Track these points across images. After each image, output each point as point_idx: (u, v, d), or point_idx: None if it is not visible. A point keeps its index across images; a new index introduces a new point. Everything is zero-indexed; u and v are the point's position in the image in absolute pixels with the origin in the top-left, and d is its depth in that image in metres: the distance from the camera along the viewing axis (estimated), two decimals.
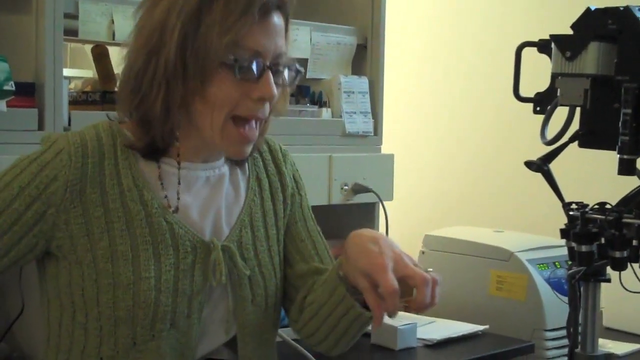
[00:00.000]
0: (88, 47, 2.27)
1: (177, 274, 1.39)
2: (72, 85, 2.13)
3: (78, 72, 2.56)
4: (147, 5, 1.39)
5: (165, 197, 1.42)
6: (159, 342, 1.38)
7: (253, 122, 1.39)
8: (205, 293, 1.43)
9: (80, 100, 2.03)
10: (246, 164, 1.54)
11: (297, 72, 1.44)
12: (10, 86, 1.81)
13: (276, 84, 1.39)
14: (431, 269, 1.36)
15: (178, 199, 1.42)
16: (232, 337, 1.47)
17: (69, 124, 1.94)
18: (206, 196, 1.46)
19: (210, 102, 1.36)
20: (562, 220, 1.50)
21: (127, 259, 1.37)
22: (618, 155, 1.44)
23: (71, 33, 1.98)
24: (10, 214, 1.36)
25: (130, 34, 1.42)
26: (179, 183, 1.43)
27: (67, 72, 2.02)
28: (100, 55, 2.09)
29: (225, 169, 1.50)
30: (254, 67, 1.35)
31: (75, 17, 1.97)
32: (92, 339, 1.38)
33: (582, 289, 1.51)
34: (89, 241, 1.37)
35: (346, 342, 1.52)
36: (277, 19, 1.38)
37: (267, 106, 1.39)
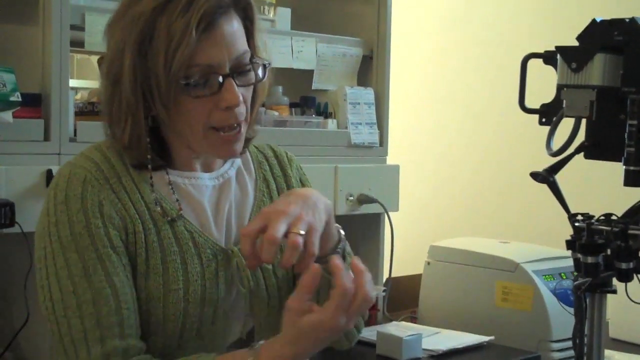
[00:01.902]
0: (94, 58, 2.27)
1: (203, 283, 1.41)
2: (78, 96, 2.14)
3: (84, 82, 2.56)
4: (108, 32, 1.40)
5: (177, 201, 1.43)
6: (183, 350, 1.40)
7: (235, 127, 1.39)
8: (229, 300, 1.44)
9: (86, 111, 2.03)
10: (252, 166, 1.56)
11: (265, 65, 1.42)
12: (16, 97, 1.82)
13: (246, 84, 1.39)
14: (302, 233, 1.29)
15: (180, 208, 1.43)
16: (246, 339, 1.48)
17: (75, 135, 1.95)
18: (216, 202, 1.48)
19: (183, 120, 1.37)
20: (568, 231, 1.50)
21: (157, 272, 1.38)
22: (624, 167, 1.43)
23: (77, 44, 1.99)
24: (108, 254, 1.34)
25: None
26: (178, 191, 1.44)
27: (73, 82, 2.03)
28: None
29: (232, 172, 1.52)
30: (211, 80, 1.34)
31: (81, 28, 1.98)
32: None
33: (588, 300, 1.51)
34: (135, 258, 1.38)
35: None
36: (225, 24, 1.35)
37: (241, 109, 1.38)
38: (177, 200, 1.43)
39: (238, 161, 1.53)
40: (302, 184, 1.62)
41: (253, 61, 1.40)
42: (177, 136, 1.42)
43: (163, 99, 1.34)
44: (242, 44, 1.38)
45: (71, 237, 1.33)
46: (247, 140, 1.50)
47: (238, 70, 1.37)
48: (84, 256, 1.32)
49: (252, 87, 1.42)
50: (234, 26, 1.37)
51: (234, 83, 1.36)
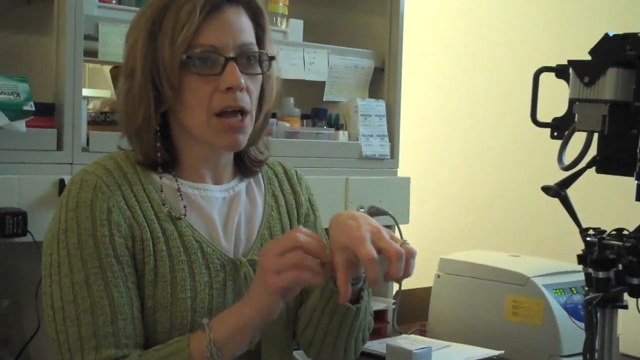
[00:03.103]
0: (106, 67, 2.28)
1: (211, 293, 1.42)
2: (90, 106, 2.15)
3: (96, 92, 2.57)
4: (127, 34, 1.47)
5: (184, 207, 1.45)
6: None
7: (238, 114, 1.42)
8: None
9: (98, 121, 2.04)
10: (262, 181, 1.59)
11: (270, 58, 1.47)
12: (30, 106, 1.83)
13: (248, 73, 1.43)
14: (408, 241, 1.34)
15: (185, 213, 1.45)
16: (253, 350, 1.48)
17: (87, 144, 1.96)
18: (226, 214, 1.49)
19: (187, 104, 1.41)
20: (579, 245, 1.49)
21: (165, 281, 1.40)
22: (636, 182, 1.43)
23: (91, 54, 2.00)
24: (110, 263, 1.36)
25: None
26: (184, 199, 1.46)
27: (85, 92, 2.04)
28: (119, 77, 2.10)
29: (242, 186, 1.54)
30: (215, 61, 1.39)
31: (95, 38, 1.99)
32: None
33: (599, 315, 1.50)
34: (143, 266, 1.40)
35: (342, 347, 1.53)
36: (233, 13, 1.42)
37: (243, 96, 1.41)
38: (185, 207, 1.45)
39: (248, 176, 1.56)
40: (311, 203, 1.65)
41: (259, 54, 1.45)
42: (186, 136, 1.45)
43: (169, 78, 1.39)
44: (248, 36, 1.43)
45: (78, 244, 1.36)
46: (260, 162, 1.55)
47: (242, 58, 1.42)
48: (87, 265, 1.35)
49: (257, 79, 1.45)
50: (242, 19, 1.43)
51: (237, 66, 1.40)
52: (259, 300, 1.33)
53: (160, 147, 1.43)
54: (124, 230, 1.38)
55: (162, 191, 1.44)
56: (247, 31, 1.43)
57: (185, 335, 1.35)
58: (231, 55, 1.40)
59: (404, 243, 1.33)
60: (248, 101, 1.43)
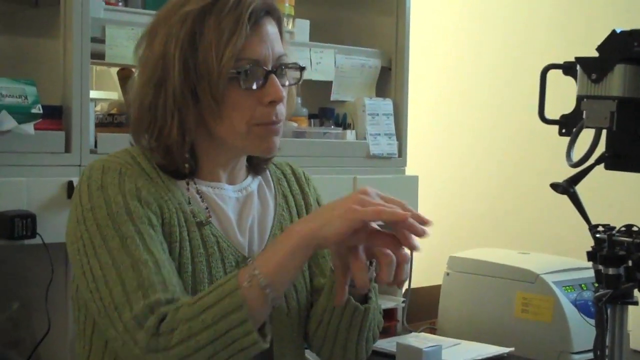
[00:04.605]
0: (113, 69, 2.29)
1: None
2: (97, 108, 2.15)
3: (103, 94, 2.58)
4: (146, 40, 1.44)
5: (207, 209, 1.46)
6: None
7: (275, 123, 1.44)
8: None
9: (106, 123, 2.04)
10: (271, 182, 1.60)
11: (301, 68, 1.48)
12: (37, 109, 1.83)
13: (283, 85, 1.44)
14: (403, 247, 1.33)
15: (209, 215, 1.45)
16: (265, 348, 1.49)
17: (95, 146, 1.96)
18: (239, 213, 1.50)
19: (226, 115, 1.40)
20: (588, 242, 1.49)
21: (186, 271, 1.40)
22: None
23: (98, 56, 2.00)
24: (145, 229, 1.35)
25: (135, 70, 1.47)
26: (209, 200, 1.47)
27: (92, 94, 2.04)
28: (126, 78, 2.11)
29: (253, 187, 1.55)
30: (256, 74, 1.39)
31: (102, 41, 1.99)
32: None
33: (609, 311, 1.50)
34: (170, 252, 1.39)
35: (354, 347, 1.53)
36: (269, 25, 1.43)
37: (281, 107, 1.43)
38: (207, 208, 1.45)
39: (259, 177, 1.57)
40: (319, 203, 1.66)
41: (292, 65, 1.46)
42: (210, 143, 1.45)
43: (213, 91, 1.38)
44: (281, 46, 1.45)
45: (108, 216, 1.34)
46: (267, 160, 1.56)
47: (279, 70, 1.43)
48: (122, 230, 1.33)
49: (287, 89, 1.46)
50: (275, 29, 1.44)
51: (277, 80, 1.41)
52: (318, 221, 1.30)
53: (188, 158, 1.43)
54: (154, 208, 1.38)
55: (189, 203, 1.44)
56: (279, 42, 1.45)
57: (232, 274, 1.32)
58: (270, 67, 1.41)
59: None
60: (284, 110, 1.45)
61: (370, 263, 1.41)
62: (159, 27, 1.42)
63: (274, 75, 1.41)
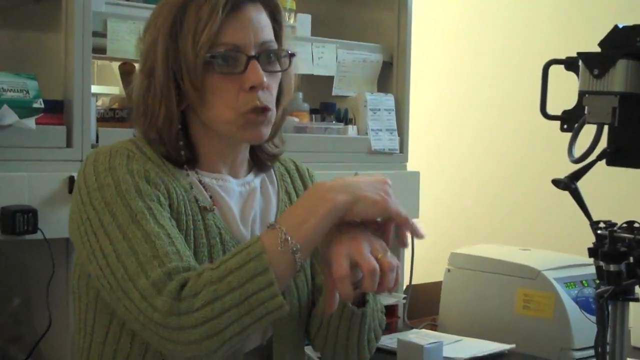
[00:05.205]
0: (115, 64, 2.29)
1: None
2: (99, 102, 2.15)
3: (104, 88, 2.57)
4: (144, 31, 1.47)
5: (210, 197, 1.46)
6: None
7: (261, 111, 1.43)
8: None
9: (107, 117, 2.04)
10: (275, 177, 1.59)
11: (291, 55, 1.48)
12: (39, 104, 1.83)
13: (269, 71, 1.43)
14: (388, 252, 1.33)
15: (213, 203, 1.45)
16: (265, 346, 1.48)
17: (97, 141, 1.96)
18: (242, 207, 1.50)
19: (211, 103, 1.41)
20: (590, 238, 1.49)
21: None
22: None
23: (99, 51, 2.00)
24: (155, 207, 1.34)
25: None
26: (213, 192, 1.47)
27: (93, 88, 2.04)
28: (127, 73, 2.11)
29: (256, 182, 1.54)
30: (237, 60, 1.40)
31: (103, 35, 1.99)
32: (137, 346, 1.39)
33: (610, 308, 1.50)
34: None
35: (355, 349, 1.53)
36: (253, 11, 1.42)
37: (265, 94, 1.42)
38: (211, 197, 1.45)
39: (262, 173, 1.57)
40: None
41: (279, 51, 1.45)
42: (205, 131, 1.45)
43: (192, 78, 1.39)
44: (268, 34, 1.44)
45: (117, 194, 1.33)
46: (274, 156, 1.57)
47: (263, 56, 1.42)
48: (131, 206, 1.32)
49: (277, 76, 1.46)
50: (261, 16, 1.43)
51: (259, 65, 1.40)
52: (351, 195, 1.31)
53: (183, 145, 1.44)
54: (163, 190, 1.38)
55: (191, 188, 1.44)
56: (266, 28, 1.44)
57: (255, 237, 1.31)
58: (252, 53, 1.41)
59: (382, 255, 1.31)
60: (270, 97, 1.44)
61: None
62: (152, 18, 1.45)
63: (255, 61, 1.40)
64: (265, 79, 1.41)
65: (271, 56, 1.44)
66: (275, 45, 1.45)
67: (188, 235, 1.40)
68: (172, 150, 1.44)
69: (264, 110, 1.42)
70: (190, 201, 1.42)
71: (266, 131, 1.45)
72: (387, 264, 1.30)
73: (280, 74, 1.47)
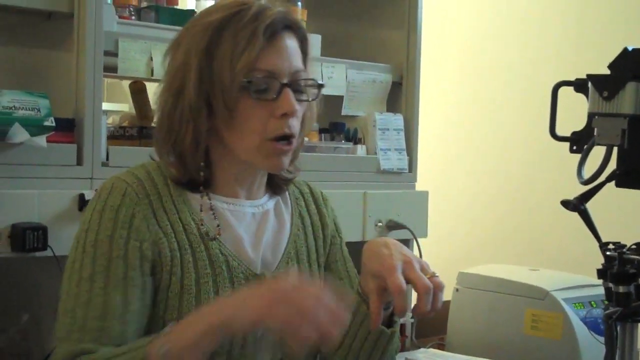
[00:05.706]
0: (125, 83, 2.30)
1: None
2: (109, 120, 2.16)
3: (113, 105, 2.59)
4: (172, 51, 1.47)
5: (218, 226, 1.46)
6: None
7: (287, 139, 1.44)
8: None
9: (117, 135, 2.05)
10: (289, 200, 1.60)
11: (319, 86, 1.49)
12: (50, 122, 1.84)
13: (299, 100, 1.44)
14: (437, 274, 1.36)
15: (219, 232, 1.45)
16: None
17: (107, 159, 1.97)
18: (254, 230, 1.50)
19: (239, 127, 1.41)
20: (599, 259, 1.49)
21: (190, 293, 1.40)
22: None
23: (110, 70, 2.01)
24: (117, 264, 1.37)
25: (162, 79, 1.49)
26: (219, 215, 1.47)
27: (104, 106, 2.05)
28: (138, 91, 2.12)
29: (270, 204, 1.55)
30: (270, 86, 1.41)
31: (114, 54, 2.00)
32: None
33: (619, 329, 1.50)
34: (170, 277, 1.40)
35: None
36: (288, 39, 1.44)
37: (294, 122, 1.44)
38: (218, 225, 1.45)
39: (277, 196, 1.57)
40: (336, 226, 1.66)
41: (309, 80, 1.47)
42: (226, 153, 1.45)
43: (226, 100, 1.39)
44: (300, 62, 1.45)
45: (94, 242, 1.38)
46: (289, 180, 1.57)
47: (294, 85, 1.43)
48: (96, 263, 1.37)
49: (304, 105, 1.47)
50: (294, 44, 1.45)
51: (291, 92, 1.42)
52: (231, 310, 1.28)
53: (203, 166, 1.44)
54: (146, 237, 1.39)
55: (201, 210, 1.45)
56: (298, 57, 1.45)
57: (147, 339, 1.32)
58: (286, 81, 1.42)
59: (432, 276, 1.35)
60: (297, 127, 1.45)
61: None
62: (183, 37, 1.45)
63: (288, 89, 1.41)
64: (296, 106, 1.42)
65: (301, 85, 1.45)
66: (305, 75, 1.46)
67: (187, 269, 1.40)
68: (192, 171, 1.44)
69: (290, 138, 1.43)
70: (190, 233, 1.43)
71: (287, 161, 1.46)
72: (439, 283, 1.34)
73: (305, 103, 1.47)
